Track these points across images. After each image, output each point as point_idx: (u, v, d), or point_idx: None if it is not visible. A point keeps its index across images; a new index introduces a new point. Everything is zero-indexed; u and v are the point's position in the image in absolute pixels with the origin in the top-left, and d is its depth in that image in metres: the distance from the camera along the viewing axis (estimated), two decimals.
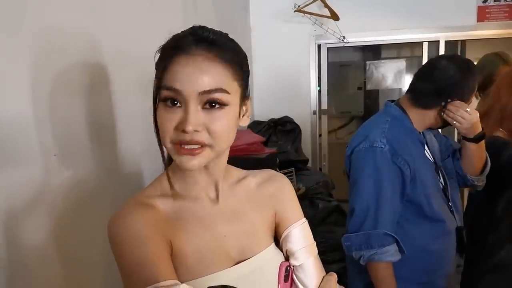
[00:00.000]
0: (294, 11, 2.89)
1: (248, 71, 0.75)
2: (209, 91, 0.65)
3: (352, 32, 2.94)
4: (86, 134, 1.03)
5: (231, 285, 0.58)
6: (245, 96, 0.74)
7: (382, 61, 4.03)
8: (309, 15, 2.90)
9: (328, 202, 2.27)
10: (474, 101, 2.07)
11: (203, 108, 0.66)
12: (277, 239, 0.85)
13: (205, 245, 0.73)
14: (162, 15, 1.50)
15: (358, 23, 2.94)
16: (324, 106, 3.24)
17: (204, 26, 0.69)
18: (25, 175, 0.84)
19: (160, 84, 0.67)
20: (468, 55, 3.54)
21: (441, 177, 1.48)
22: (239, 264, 0.75)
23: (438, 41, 2.97)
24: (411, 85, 1.44)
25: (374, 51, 4.26)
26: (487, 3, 2.87)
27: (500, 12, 2.87)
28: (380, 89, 4.08)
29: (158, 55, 0.69)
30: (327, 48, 3.16)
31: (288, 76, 3.10)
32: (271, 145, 2.61)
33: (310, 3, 2.84)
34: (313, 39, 3.04)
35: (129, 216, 0.68)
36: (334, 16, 2.81)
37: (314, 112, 3.14)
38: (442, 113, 1.35)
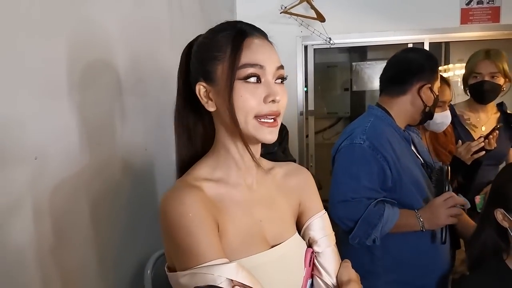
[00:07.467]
0: (281, 13, 2.89)
1: None
2: (281, 67, 0.74)
3: (338, 33, 2.96)
4: (70, 136, 1.01)
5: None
6: None
7: (368, 62, 4.06)
8: (295, 17, 2.90)
9: None
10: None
11: (275, 82, 0.73)
12: (298, 227, 0.89)
13: (245, 228, 0.77)
14: (147, 16, 1.48)
15: (344, 25, 2.96)
16: (311, 107, 3.24)
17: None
18: (5, 178, 0.81)
19: (237, 64, 0.69)
20: (452, 57, 3.60)
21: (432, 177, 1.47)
22: (274, 247, 0.79)
23: (423, 42, 3.01)
24: (380, 82, 1.54)
25: (360, 53, 4.29)
26: (470, 6, 2.92)
27: (483, 14, 2.92)
28: (366, 90, 4.11)
29: (215, 43, 0.72)
30: (314, 49, 3.18)
31: None
32: None
33: (297, 5, 2.85)
34: (299, 40, 3.05)
35: (183, 196, 0.70)
36: (320, 18, 2.82)
37: (301, 113, 3.15)
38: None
